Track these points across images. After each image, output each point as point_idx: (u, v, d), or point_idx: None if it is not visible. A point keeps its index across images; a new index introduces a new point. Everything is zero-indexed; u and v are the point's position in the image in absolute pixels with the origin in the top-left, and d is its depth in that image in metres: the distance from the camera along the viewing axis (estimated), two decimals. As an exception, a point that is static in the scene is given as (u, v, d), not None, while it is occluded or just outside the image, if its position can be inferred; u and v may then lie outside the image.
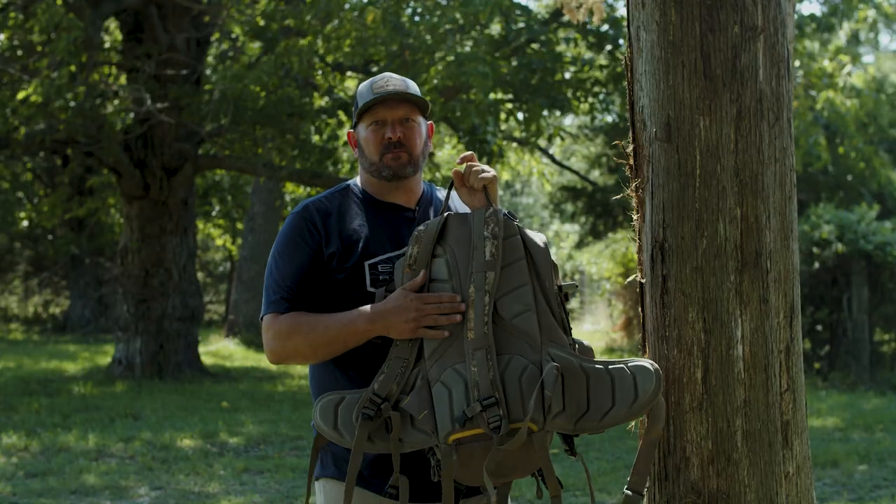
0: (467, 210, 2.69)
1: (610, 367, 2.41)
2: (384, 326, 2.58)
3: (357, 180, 2.88)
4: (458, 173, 2.66)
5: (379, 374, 2.52)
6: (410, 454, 2.53)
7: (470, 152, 2.71)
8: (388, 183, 2.78)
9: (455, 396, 2.41)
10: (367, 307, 2.63)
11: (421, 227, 2.59)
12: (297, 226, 2.76)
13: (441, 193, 2.90)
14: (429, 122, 2.84)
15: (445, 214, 2.61)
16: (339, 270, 2.71)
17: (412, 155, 2.76)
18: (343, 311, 2.67)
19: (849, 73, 14.35)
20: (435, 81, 11.36)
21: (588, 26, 13.30)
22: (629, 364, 2.40)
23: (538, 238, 2.57)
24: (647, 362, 2.40)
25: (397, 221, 2.77)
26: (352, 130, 2.85)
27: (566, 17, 11.81)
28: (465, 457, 2.41)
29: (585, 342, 2.55)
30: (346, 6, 11.72)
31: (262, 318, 2.75)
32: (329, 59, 12.28)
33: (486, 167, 2.65)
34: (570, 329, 2.54)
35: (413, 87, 2.79)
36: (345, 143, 13.99)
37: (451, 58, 11.55)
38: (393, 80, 2.77)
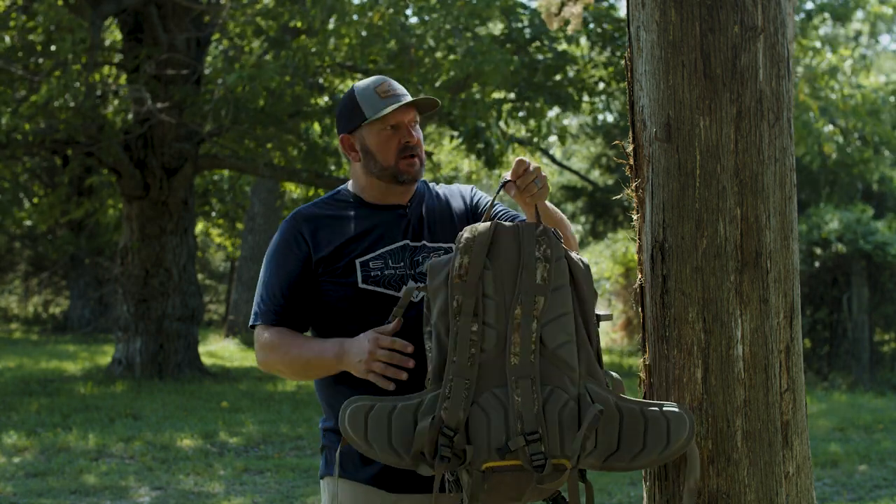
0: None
1: (644, 409, 2.36)
2: (347, 363, 2.59)
3: (349, 186, 2.87)
4: (512, 184, 2.54)
5: (443, 399, 2.35)
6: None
7: (521, 158, 2.58)
8: (394, 186, 2.78)
9: (494, 423, 2.33)
10: (340, 340, 2.63)
11: (468, 235, 2.42)
12: (285, 236, 2.78)
13: (438, 188, 2.90)
14: None
15: (494, 224, 2.44)
16: (330, 272, 2.72)
17: (421, 158, 2.79)
18: (337, 312, 2.69)
19: (853, 67, 14.36)
20: (451, 73, 11.35)
21: (589, 25, 13.30)
22: (664, 409, 2.35)
23: (582, 262, 2.47)
24: (682, 409, 2.35)
25: (388, 218, 2.78)
26: (347, 134, 2.81)
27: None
28: (493, 484, 2.35)
29: (616, 375, 2.46)
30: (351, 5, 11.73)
31: (251, 327, 2.77)
32: (331, 59, 12.28)
33: (538, 176, 2.53)
34: (602, 361, 2.47)
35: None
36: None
37: (453, 56, 11.55)
38: (394, 83, 2.78)
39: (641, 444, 2.34)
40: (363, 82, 2.81)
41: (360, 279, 2.69)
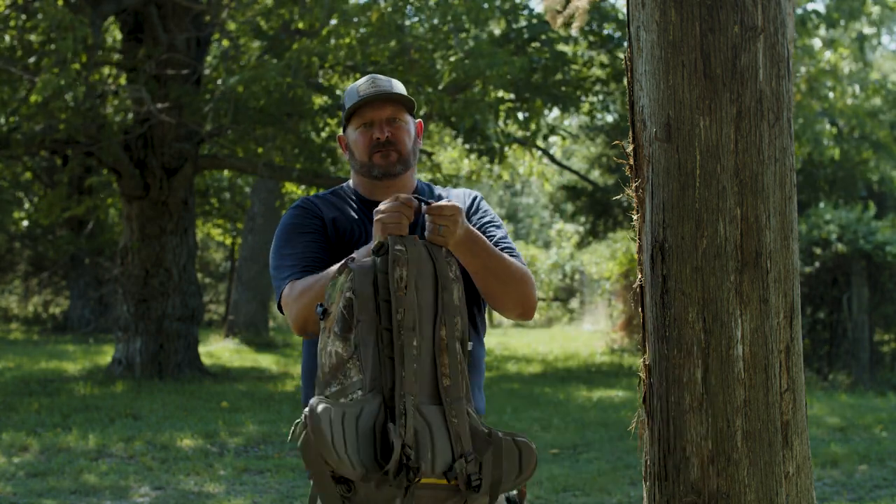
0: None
1: (494, 434, 2.44)
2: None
3: (350, 182, 2.92)
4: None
5: (400, 416, 2.28)
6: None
7: (439, 204, 2.55)
8: (378, 182, 2.81)
9: (438, 444, 2.33)
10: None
11: (399, 247, 2.40)
12: (297, 215, 2.80)
13: (441, 191, 2.92)
14: (417, 121, 2.86)
15: (416, 238, 2.46)
16: (333, 261, 2.73)
17: (401, 153, 2.79)
18: None
19: (849, 69, 14.37)
20: (453, 74, 11.37)
21: (590, 26, 13.31)
22: (516, 439, 2.45)
23: None
24: (527, 438, 2.46)
25: None
26: (342, 134, 2.88)
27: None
28: (419, 499, 2.31)
29: None
30: (348, 4, 11.73)
31: (278, 303, 2.69)
32: (334, 58, 12.29)
33: (446, 223, 2.51)
34: None
35: (399, 86, 2.81)
36: (346, 144, 14.00)
37: (454, 56, 11.54)
38: (379, 81, 2.79)
39: (500, 471, 2.41)
40: (356, 82, 2.85)
41: None
